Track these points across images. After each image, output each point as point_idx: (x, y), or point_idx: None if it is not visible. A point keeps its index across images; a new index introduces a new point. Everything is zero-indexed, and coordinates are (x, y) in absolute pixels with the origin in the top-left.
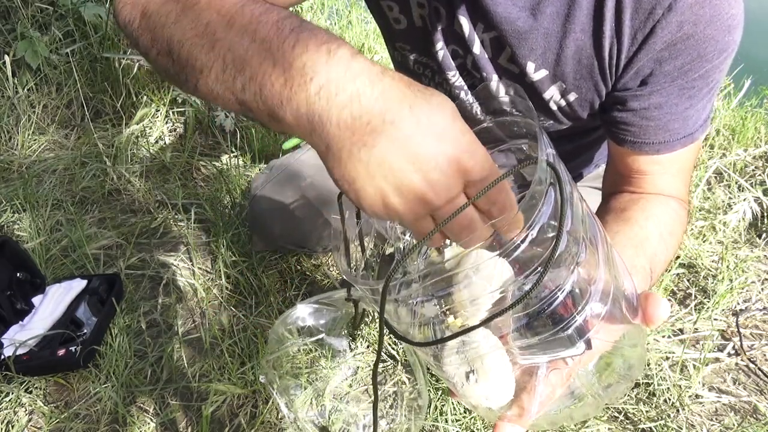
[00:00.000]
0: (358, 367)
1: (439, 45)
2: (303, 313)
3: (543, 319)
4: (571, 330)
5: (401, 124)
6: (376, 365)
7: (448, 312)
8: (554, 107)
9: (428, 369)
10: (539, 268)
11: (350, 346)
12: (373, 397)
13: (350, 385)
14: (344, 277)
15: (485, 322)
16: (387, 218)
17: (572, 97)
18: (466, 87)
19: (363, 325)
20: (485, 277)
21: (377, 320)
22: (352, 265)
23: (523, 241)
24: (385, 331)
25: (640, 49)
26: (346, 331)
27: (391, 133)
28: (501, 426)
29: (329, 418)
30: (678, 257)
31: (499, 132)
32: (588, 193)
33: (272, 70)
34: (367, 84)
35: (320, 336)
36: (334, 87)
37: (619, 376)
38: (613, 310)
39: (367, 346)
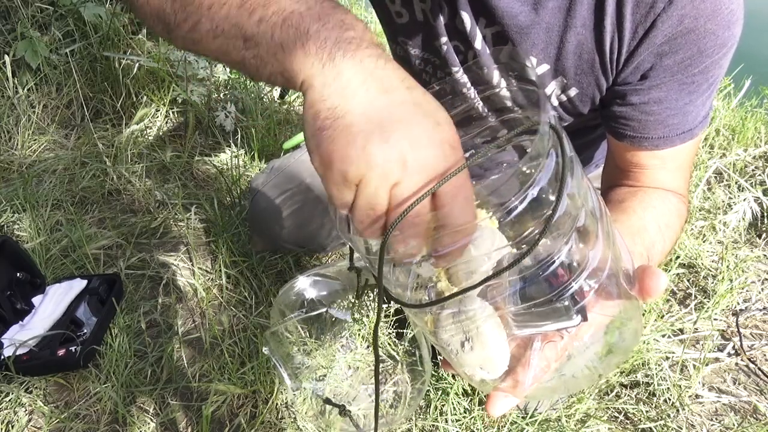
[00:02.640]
0: (358, 367)
1: (443, 39)
2: (304, 284)
3: (539, 284)
4: (567, 300)
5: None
6: (376, 327)
7: (443, 276)
8: (555, 102)
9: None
10: (536, 230)
11: (352, 318)
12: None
13: (352, 370)
14: (341, 235)
15: (484, 282)
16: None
17: (573, 92)
18: (469, 83)
19: (365, 295)
20: (482, 245)
21: (376, 291)
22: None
23: (522, 202)
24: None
25: (640, 43)
26: (347, 303)
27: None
28: (495, 395)
29: (331, 390)
30: (678, 257)
31: (503, 129)
32: None
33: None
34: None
35: (323, 310)
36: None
37: (615, 348)
38: (609, 282)
39: (367, 347)
